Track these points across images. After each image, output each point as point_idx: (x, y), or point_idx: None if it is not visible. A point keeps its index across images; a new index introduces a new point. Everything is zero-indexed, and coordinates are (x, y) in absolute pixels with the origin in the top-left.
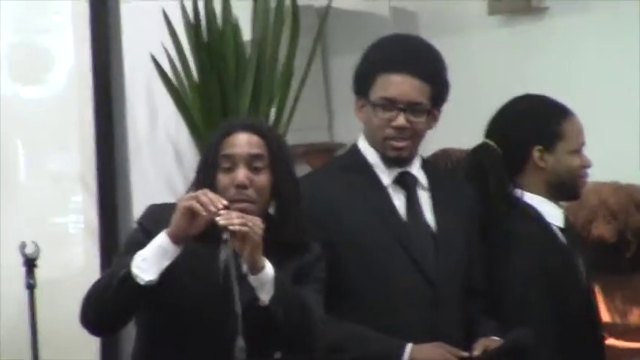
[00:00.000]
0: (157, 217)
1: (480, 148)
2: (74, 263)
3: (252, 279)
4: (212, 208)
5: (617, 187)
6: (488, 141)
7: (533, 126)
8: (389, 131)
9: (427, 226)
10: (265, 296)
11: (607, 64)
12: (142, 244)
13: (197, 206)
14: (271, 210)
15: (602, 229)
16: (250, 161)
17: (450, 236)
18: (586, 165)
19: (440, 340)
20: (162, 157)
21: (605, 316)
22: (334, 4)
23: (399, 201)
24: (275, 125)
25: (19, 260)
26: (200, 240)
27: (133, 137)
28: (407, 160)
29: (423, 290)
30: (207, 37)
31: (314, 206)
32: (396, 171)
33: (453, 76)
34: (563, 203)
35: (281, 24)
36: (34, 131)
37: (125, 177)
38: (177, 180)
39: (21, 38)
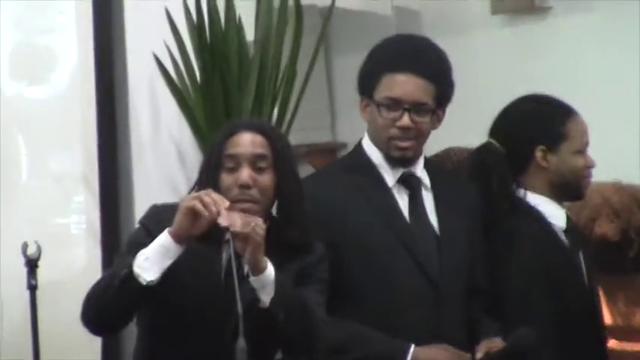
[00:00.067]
0: (159, 218)
1: (483, 148)
2: (76, 264)
3: (253, 280)
4: (214, 209)
5: (619, 186)
6: (491, 140)
7: (536, 126)
8: (393, 131)
9: (430, 227)
10: (266, 297)
11: (609, 63)
12: (143, 244)
13: (199, 207)
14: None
15: (606, 228)
16: (254, 161)
17: (453, 237)
18: (590, 165)
19: (442, 341)
20: (164, 158)
21: (608, 318)
22: (337, 4)
23: (402, 201)
24: (278, 125)
25: (21, 261)
26: (202, 240)
27: (135, 138)
28: (411, 161)
29: (426, 291)
30: (210, 38)
31: (318, 207)
32: (400, 171)
33: (456, 75)
34: (566, 203)
35: (284, 24)
36: (36, 131)
37: (127, 177)
38: (180, 180)
39: (24, 38)
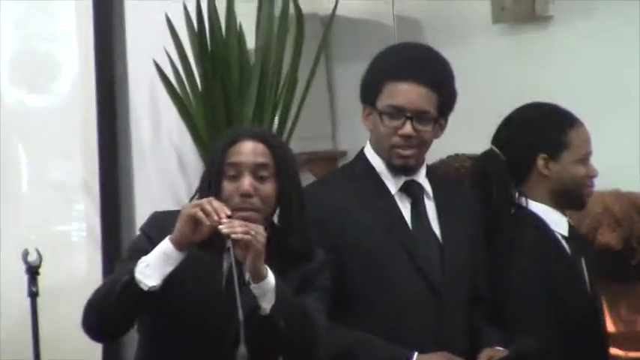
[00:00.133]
0: (160, 225)
1: (485, 155)
2: (77, 271)
3: (254, 287)
4: (215, 217)
5: (619, 195)
6: (493, 148)
7: (538, 134)
8: (396, 139)
9: (433, 234)
10: (267, 305)
11: (610, 72)
12: (145, 252)
13: (200, 214)
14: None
15: (608, 237)
16: (256, 170)
17: (455, 245)
18: (592, 175)
19: (444, 348)
20: (165, 165)
21: (611, 326)
22: (338, 12)
23: (404, 209)
24: (278, 133)
25: (22, 268)
26: (203, 247)
27: (136, 145)
28: (413, 169)
29: (428, 298)
30: (210, 45)
31: (320, 214)
32: (402, 179)
33: (457, 83)
34: (567, 212)
35: (285, 32)
36: (37, 139)
37: (128, 185)
38: (181, 188)
39: (24, 45)
